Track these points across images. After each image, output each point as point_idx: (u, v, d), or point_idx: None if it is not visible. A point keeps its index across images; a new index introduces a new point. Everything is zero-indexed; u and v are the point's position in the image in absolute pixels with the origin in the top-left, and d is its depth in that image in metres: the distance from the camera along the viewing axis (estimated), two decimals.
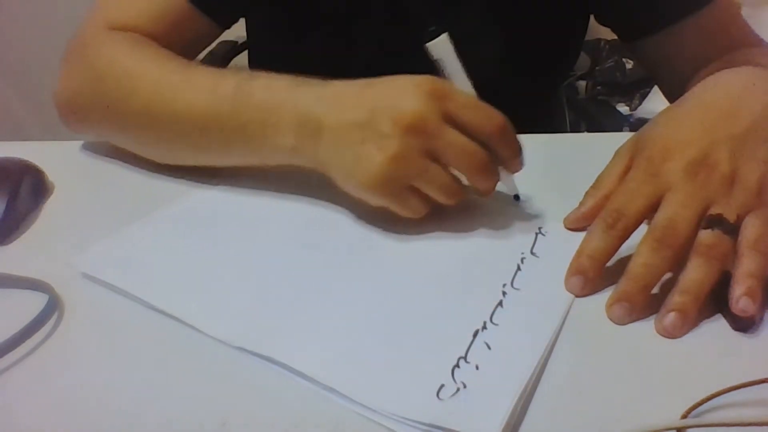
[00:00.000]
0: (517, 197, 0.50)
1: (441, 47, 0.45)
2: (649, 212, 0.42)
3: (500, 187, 0.49)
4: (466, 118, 0.43)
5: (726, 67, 0.48)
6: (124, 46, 0.56)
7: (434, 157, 0.43)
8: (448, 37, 0.45)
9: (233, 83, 0.48)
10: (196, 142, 0.51)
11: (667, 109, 0.47)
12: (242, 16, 0.72)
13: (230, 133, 0.49)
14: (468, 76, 0.46)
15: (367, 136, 0.43)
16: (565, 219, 0.49)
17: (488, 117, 0.44)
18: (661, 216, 0.41)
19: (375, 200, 0.45)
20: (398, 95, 0.43)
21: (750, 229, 0.40)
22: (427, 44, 0.44)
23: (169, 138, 0.52)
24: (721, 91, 0.46)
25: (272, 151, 0.48)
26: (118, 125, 0.56)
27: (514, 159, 0.46)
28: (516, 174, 0.49)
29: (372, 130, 0.42)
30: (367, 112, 0.43)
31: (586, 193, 0.48)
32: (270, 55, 0.77)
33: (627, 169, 0.45)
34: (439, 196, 0.45)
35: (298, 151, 0.47)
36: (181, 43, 0.61)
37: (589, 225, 0.47)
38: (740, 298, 0.38)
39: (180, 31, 0.61)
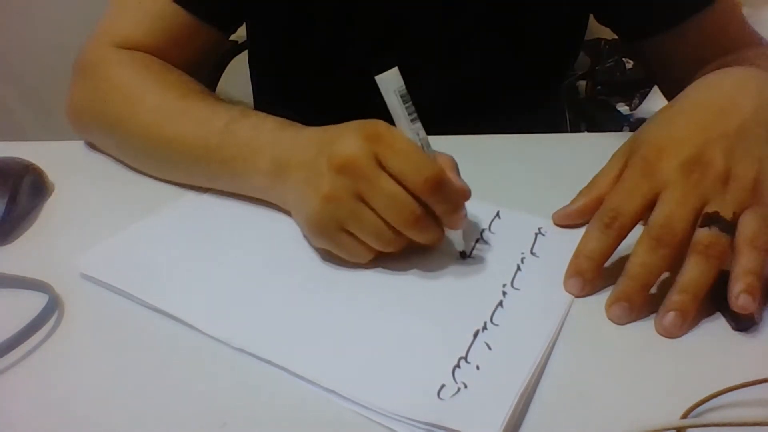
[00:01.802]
0: (462, 254, 0.45)
1: (387, 82, 0.40)
2: (646, 211, 0.42)
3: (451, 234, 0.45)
4: (396, 166, 0.40)
5: (723, 68, 0.49)
6: (131, 68, 0.57)
7: (365, 201, 0.41)
8: (398, 72, 0.40)
9: (224, 120, 0.50)
10: (187, 170, 0.53)
11: (661, 109, 0.48)
12: (245, 20, 0.72)
13: (215, 166, 0.50)
14: (413, 119, 0.41)
15: (309, 176, 0.43)
16: (553, 214, 0.50)
17: (419, 168, 0.40)
18: (657, 215, 0.41)
19: (315, 241, 0.45)
20: (338, 137, 0.42)
21: (747, 226, 0.40)
22: (376, 78, 0.40)
23: (163, 162, 0.54)
24: (713, 91, 0.46)
25: (250, 188, 0.50)
26: (118, 144, 0.58)
27: (450, 216, 0.42)
28: (515, 177, 0.48)
29: (312, 170, 0.42)
30: (313, 153, 0.43)
31: (579, 192, 0.49)
32: (270, 55, 0.77)
33: (622, 171, 0.46)
34: (373, 242, 0.42)
35: (270, 191, 0.48)
36: (189, 55, 0.62)
37: (576, 222, 0.48)
38: (740, 295, 0.38)
39: (186, 44, 0.62)
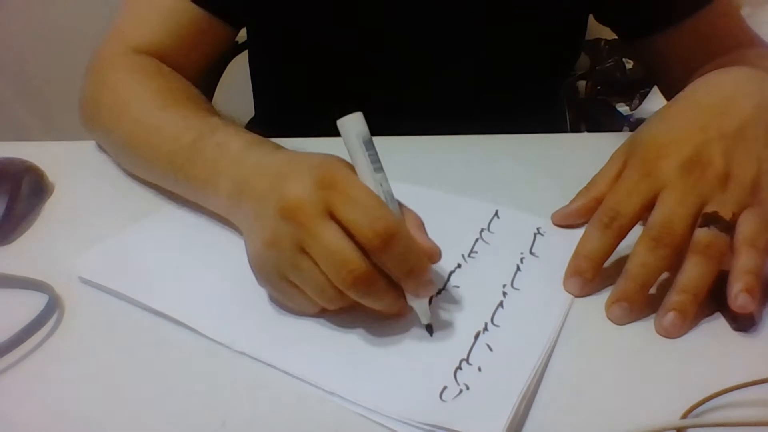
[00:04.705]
0: (428, 328, 0.39)
1: (349, 127, 0.37)
2: (645, 211, 0.42)
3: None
4: (347, 216, 0.35)
5: (721, 68, 0.49)
6: (126, 75, 0.58)
7: (307, 252, 0.37)
8: (361, 116, 0.37)
9: (193, 135, 0.49)
10: (164, 182, 0.53)
11: (660, 110, 0.48)
12: (252, 17, 0.72)
13: (183, 183, 0.50)
14: (377, 168, 0.37)
15: (258, 213, 0.40)
16: (553, 214, 0.50)
17: (371, 220, 0.35)
18: (657, 215, 0.41)
19: (258, 283, 0.41)
20: (292, 176, 0.38)
21: (746, 226, 0.40)
22: (337, 121, 0.37)
23: (146, 173, 0.55)
24: (712, 91, 0.46)
25: (213, 206, 0.48)
26: (109, 147, 0.59)
27: (406, 279, 0.37)
28: (515, 177, 0.48)
29: (262, 207, 0.39)
30: (268, 188, 0.39)
31: (579, 192, 0.49)
32: (270, 55, 0.77)
33: (621, 171, 0.46)
34: (315, 297, 0.38)
35: (229, 214, 0.46)
36: (199, 52, 0.63)
37: (575, 222, 0.48)
38: (738, 295, 0.38)
39: (197, 40, 0.62)
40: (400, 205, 0.39)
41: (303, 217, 0.36)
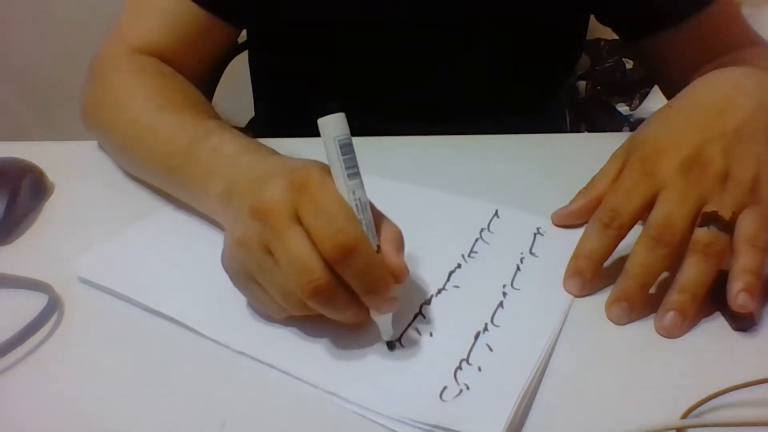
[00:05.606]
0: (390, 345, 0.38)
1: (328, 128, 0.35)
2: (644, 211, 0.42)
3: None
4: (311, 222, 0.34)
5: (722, 67, 0.49)
6: (126, 76, 0.58)
7: (273, 254, 0.36)
8: (342, 118, 0.35)
9: (188, 139, 0.48)
10: (159, 183, 0.53)
11: (660, 110, 0.48)
12: (253, 17, 0.72)
13: (178, 185, 0.50)
14: (352, 174, 0.36)
15: (237, 213, 0.39)
16: (553, 214, 0.50)
17: (334, 230, 0.34)
18: (656, 214, 0.41)
19: (232, 283, 0.40)
20: (270, 177, 0.37)
21: (745, 225, 0.40)
22: (318, 120, 0.35)
23: (141, 172, 0.55)
24: (711, 91, 0.46)
25: (204, 210, 0.48)
26: (107, 146, 0.60)
27: (367, 295, 0.35)
28: (515, 177, 0.48)
29: (241, 208, 0.38)
30: (248, 189, 0.39)
31: (578, 192, 0.49)
32: (269, 55, 0.77)
33: (621, 171, 0.46)
34: (280, 300, 0.37)
35: (218, 216, 0.46)
36: (201, 52, 0.63)
37: (575, 222, 0.48)
38: (738, 294, 0.38)
39: (199, 41, 0.63)
40: (382, 217, 0.38)
41: (271, 218, 0.35)
